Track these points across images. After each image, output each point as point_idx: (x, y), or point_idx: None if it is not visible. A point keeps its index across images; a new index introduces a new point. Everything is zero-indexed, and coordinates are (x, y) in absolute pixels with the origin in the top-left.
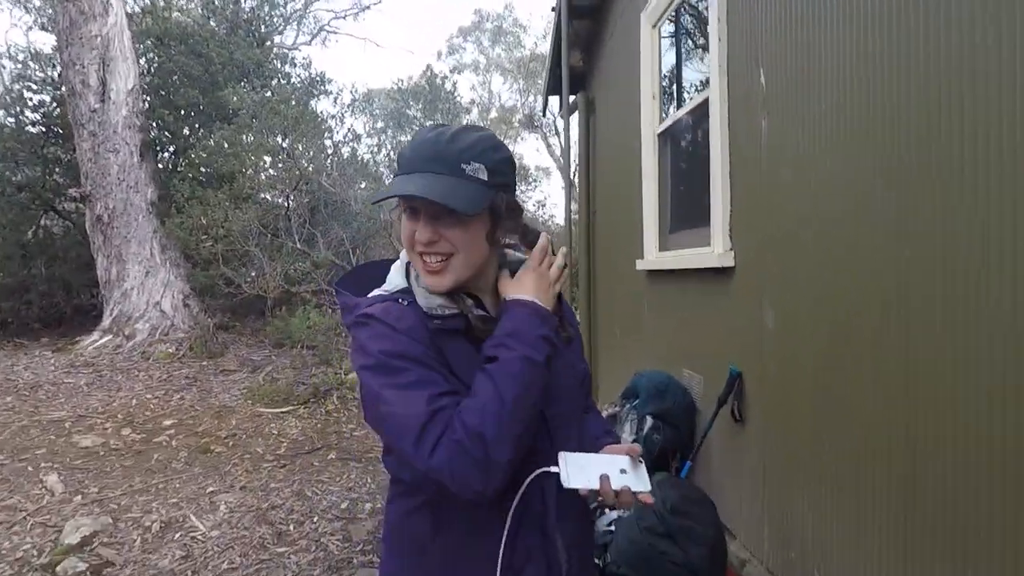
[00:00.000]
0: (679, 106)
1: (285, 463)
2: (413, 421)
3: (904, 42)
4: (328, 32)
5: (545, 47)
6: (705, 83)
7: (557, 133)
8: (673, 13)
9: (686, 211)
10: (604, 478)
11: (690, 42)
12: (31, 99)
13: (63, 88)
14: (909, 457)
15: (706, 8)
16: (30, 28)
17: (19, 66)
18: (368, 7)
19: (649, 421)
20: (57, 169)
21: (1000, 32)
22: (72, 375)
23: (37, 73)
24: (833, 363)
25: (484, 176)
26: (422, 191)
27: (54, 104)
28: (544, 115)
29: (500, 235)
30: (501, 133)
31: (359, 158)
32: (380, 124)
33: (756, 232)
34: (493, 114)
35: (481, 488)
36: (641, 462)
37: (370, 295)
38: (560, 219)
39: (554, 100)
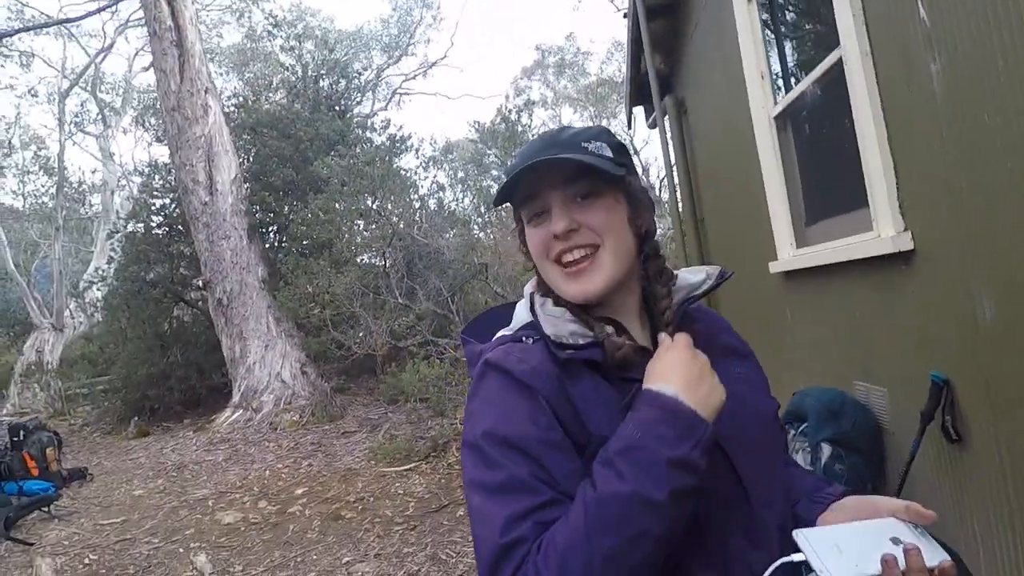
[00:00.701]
0: (793, 81)
1: (415, 524)
2: (486, 549)
3: None
4: (401, 94)
5: (610, 69)
6: (829, 44)
7: (636, 152)
8: None
9: (828, 196)
10: (888, 560)
11: (800, 5)
12: (154, 204)
13: (179, 190)
14: None
15: None
16: (150, 144)
17: (144, 177)
18: (434, 63)
19: (826, 449)
20: (182, 263)
21: None
22: (212, 452)
23: (157, 181)
24: None
25: (609, 153)
26: (548, 155)
27: (173, 205)
28: (629, 127)
29: (642, 224)
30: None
31: (445, 207)
32: (460, 173)
33: (942, 203)
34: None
35: None
36: (918, 525)
37: (494, 338)
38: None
39: (637, 111)
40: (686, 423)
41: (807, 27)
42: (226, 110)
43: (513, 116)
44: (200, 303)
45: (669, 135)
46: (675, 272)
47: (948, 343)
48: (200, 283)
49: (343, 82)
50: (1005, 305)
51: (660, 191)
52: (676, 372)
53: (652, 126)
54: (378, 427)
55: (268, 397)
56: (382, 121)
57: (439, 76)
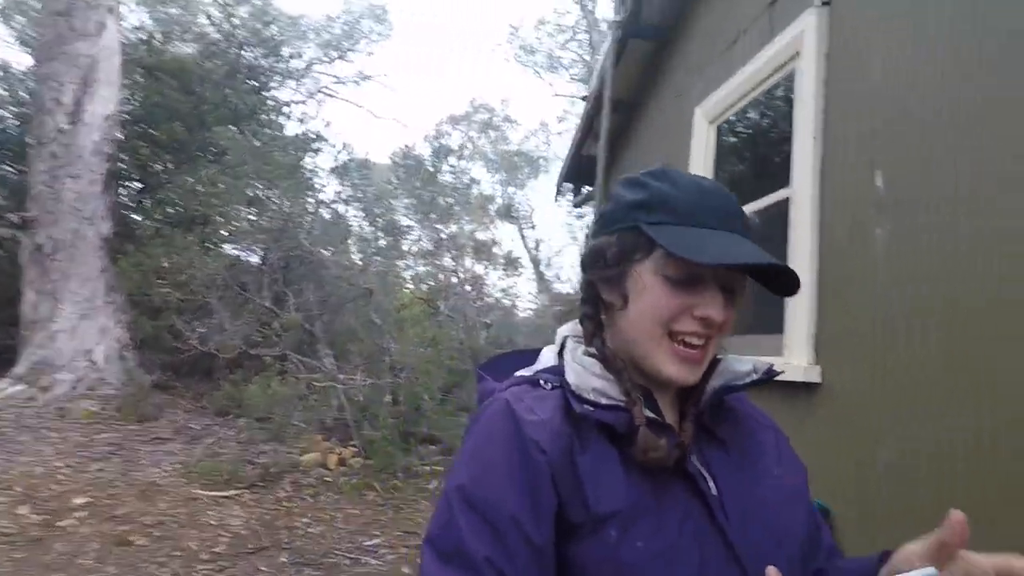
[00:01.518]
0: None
1: (225, 565)
2: None
3: None
4: (327, 95)
5: (530, 144)
6: (781, 180)
7: (532, 226)
8: (743, 108)
9: (748, 315)
10: None
11: (763, 138)
12: None
13: (31, 106)
14: None
15: (790, 105)
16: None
17: None
18: (369, 78)
19: None
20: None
21: None
22: None
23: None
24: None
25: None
26: (773, 261)
27: (17, 122)
28: (556, 200)
29: None
30: (476, 219)
31: (343, 222)
32: (360, 193)
33: (859, 353)
34: (469, 200)
35: None
36: None
37: (510, 379)
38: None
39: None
40: None
41: (761, 160)
42: (124, 40)
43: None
44: (8, 242)
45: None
46: (719, 357)
47: (840, 475)
48: (18, 218)
49: (270, 60)
50: (897, 455)
51: (546, 266)
52: None
53: (577, 205)
54: (199, 439)
55: (65, 376)
56: (302, 114)
57: (369, 90)
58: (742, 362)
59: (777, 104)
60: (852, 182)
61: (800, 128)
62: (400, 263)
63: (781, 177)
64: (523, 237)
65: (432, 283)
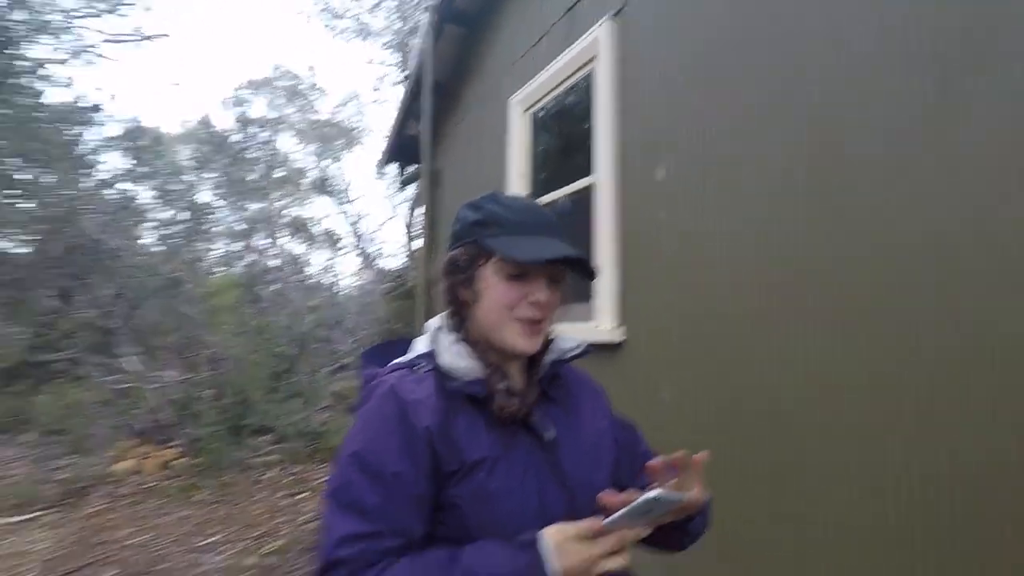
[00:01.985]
0: (548, 187)
1: None
2: (320, 556)
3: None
4: (96, 55)
5: (343, 114)
6: (587, 168)
7: (350, 200)
8: (552, 102)
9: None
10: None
11: (571, 129)
12: None
13: None
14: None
15: (590, 101)
16: None
17: None
18: (149, 37)
19: None
20: None
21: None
22: None
23: None
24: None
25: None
26: (569, 246)
27: None
28: (379, 178)
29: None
30: (288, 194)
31: (134, 202)
32: (151, 170)
33: (648, 311)
34: (279, 173)
35: None
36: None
37: (389, 364)
38: (343, 286)
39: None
40: None
41: (570, 149)
42: None
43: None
44: None
45: (425, 199)
46: (551, 338)
47: (639, 408)
48: None
49: (19, 13)
50: (677, 391)
51: (369, 242)
52: (568, 555)
53: (403, 184)
54: None
55: None
56: (68, 78)
57: (151, 53)
58: (567, 340)
59: (582, 98)
60: (641, 172)
61: (600, 123)
62: (206, 246)
63: (587, 165)
64: (342, 212)
65: (246, 266)
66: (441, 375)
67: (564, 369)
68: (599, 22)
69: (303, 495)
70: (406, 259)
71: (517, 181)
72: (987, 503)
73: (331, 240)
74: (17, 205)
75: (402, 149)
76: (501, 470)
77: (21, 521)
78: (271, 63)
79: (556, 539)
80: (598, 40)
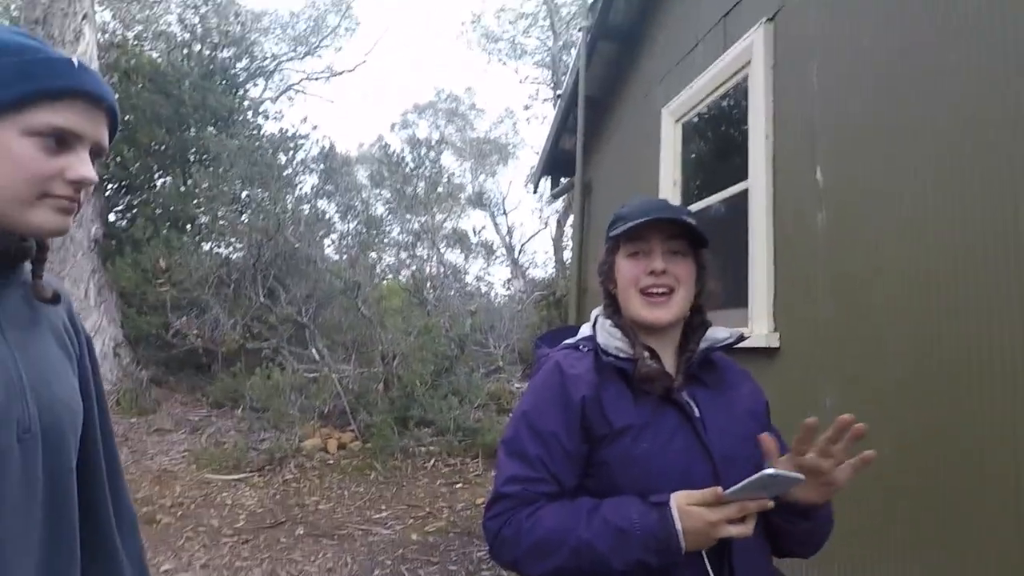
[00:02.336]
0: (701, 194)
1: (248, 538)
2: (494, 484)
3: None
4: (297, 91)
5: (497, 132)
6: (740, 173)
7: (504, 213)
8: (704, 110)
9: (720, 291)
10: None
11: (723, 136)
12: None
13: None
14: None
15: (745, 107)
16: None
17: None
18: (341, 73)
19: None
20: None
21: None
22: None
23: None
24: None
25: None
26: (678, 215)
27: None
28: (536, 191)
29: (703, 283)
30: (448, 207)
31: (324, 216)
32: (335, 187)
33: (806, 317)
34: (440, 188)
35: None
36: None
37: (561, 344)
38: (497, 294)
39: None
40: (669, 551)
41: (722, 155)
42: (100, 42)
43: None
44: None
45: (577, 209)
46: (708, 326)
47: (797, 416)
48: None
49: (245, 59)
50: (841, 397)
51: (519, 252)
52: (693, 519)
53: (555, 196)
54: (199, 430)
55: None
56: (278, 112)
57: (337, 84)
58: (721, 331)
59: (734, 105)
60: (798, 175)
61: (754, 128)
62: (378, 255)
63: (740, 171)
64: (495, 224)
65: (412, 273)
66: (598, 353)
67: (718, 357)
68: (755, 27)
69: (459, 485)
70: (555, 268)
71: (670, 189)
72: None
73: (486, 250)
74: (241, 218)
75: (555, 162)
76: (647, 437)
77: (235, 480)
78: (434, 87)
79: (681, 502)
80: (753, 45)
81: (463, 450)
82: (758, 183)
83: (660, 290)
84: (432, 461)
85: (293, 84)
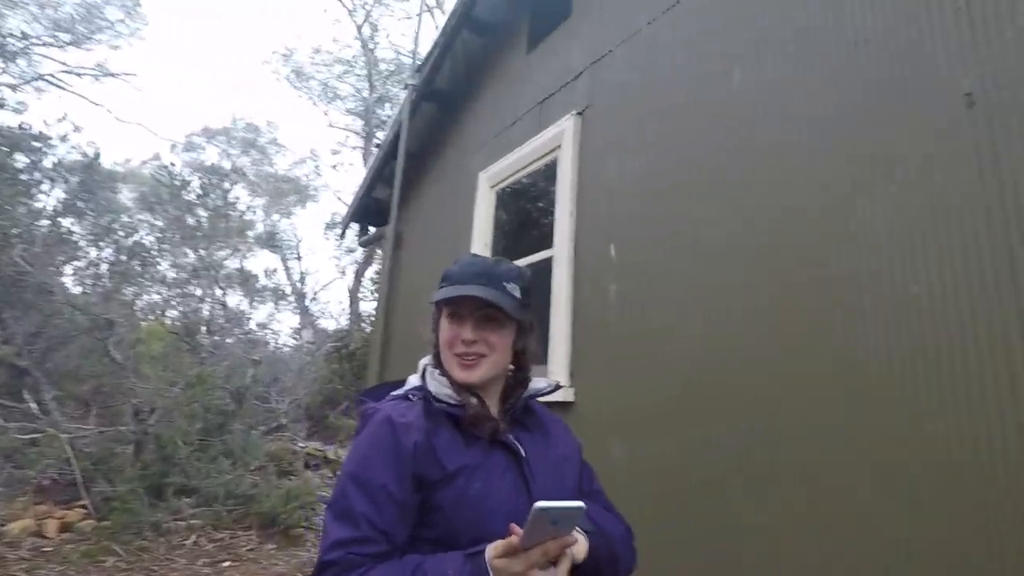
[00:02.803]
0: (510, 257)
1: None
2: (321, 550)
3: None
4: (53, 84)
5: (299, 171)
6: (546, 242)
7: (298, 257)
8: (518, 180)
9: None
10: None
11: (533, 206)
12: None
13: None
14: None
15: (554, 185)
16: None
17: None
18: (117, 75)
19: None
20: None
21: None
22: None
23: None
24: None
25: (518, 294)
26: (483, 293)
27: None
28: (342, 237)
29: (521, 346)
30: (234, 245)
31: (71, 237)
32: (92, 206)
33: (595, 376)
34: (225, 223)
35: None
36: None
37: (388, 396)
38: (282, 344)
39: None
40: None
41: (531, 223)
42: None
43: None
44: None
45: (388, 260)
46: (529, 379)
47: (595, 466)
48: None
49: None
50: (627, 448)
51: (312, 300)
52: (504, 567)
53: (364, 244)
54: None
55: None
56: (18, 103)
57: (110, 88)
58: (540, 382)
59: (544, 181)
60: (595, 249)
61: (560, 204)
62: (140, 290)
63: (547, 239)
64: (287, 268)
65: (185, 315)
66: (428, 401)
67: (536, 405)
68: (566, 116)
69: (227, 563)
70: (348, 320)
71: (481, 249)
72: None
73: (275, 295)
74: None
75: (366, 211)
76: (479, 476)
77: None
78: (230, 113)
79: (491, 554)
80: (564, 132)
81: (233, 521)
82: (562, 252)
83: (470, 358)
84: (193, 537)
85: (45, 74)
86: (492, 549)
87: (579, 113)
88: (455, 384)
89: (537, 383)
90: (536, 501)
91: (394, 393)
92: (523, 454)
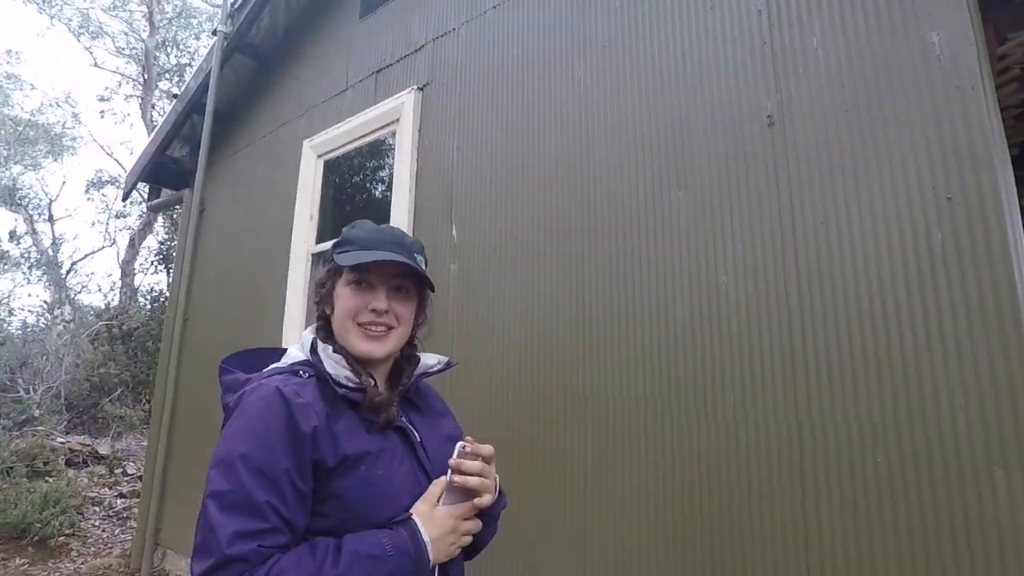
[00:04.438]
0: (340, 231)
1: None
2: (209, 556)
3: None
4: None
5: (51, 118)
6: (383, 218)
7: (51, 219)
8: (351, 151)
9: None
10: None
11: (368, 179)
12: None
13: None
14: None
15: (391, 158)
16: None
17: None
18: None
19: None
20: None
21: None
22: None
23: None
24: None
25: (424, 268)
26: (410, 257)
27: None
28: (125, 199)
29: (419, 322)
30: None
31: None
32: None
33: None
34: None
35: None
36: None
37: (267, 369)
38: (28, 322)
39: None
40: (423, 564)
41: (366, 197)
42: None
43: None
44: None
45: (191, 229)
46: (419, 355)
47: None
48: None
49: None
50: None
51: (70, 272)
52: (435, 525)
53: (154, 209)
54: None
55: None
56: None
57: None
58: (431, 358)
59: (383, 155)
60: (436, 229)
61: (399, 180)
62: None
63: (383, 215)
64: (33, 231)
65: None
66: (325, 383)
67: (423, 384)
68: (406, 90)
69: None
70: (121, 295)
71: (306, 223)
72: None
73: (27, 264)
74: None
75: (158, 171)
76: (382, 464)
77: None
78: None
79: (422, 508)
80: (404, 106)
81: None
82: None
83: (379, 328)
84: None
85: None
86: (422, 501)
87: (420, 88)
88: (352, 362)
89: (427, 359)
90: (430, 478)
91: (277, 366)
92: (418, 439)
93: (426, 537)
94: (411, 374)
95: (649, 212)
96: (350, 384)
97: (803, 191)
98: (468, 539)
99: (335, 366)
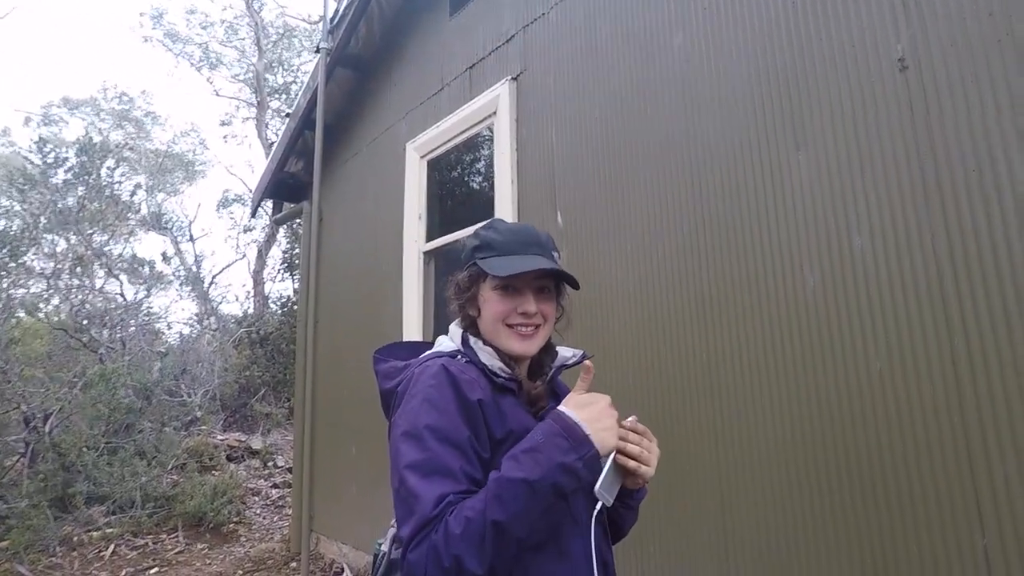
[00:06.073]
0: (446, 230)
1: None
2: (415, 518)
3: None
4: None
5: (181, 146)
6: (488, 212)
7: (191, 239)
8: (451, 149)
9: None
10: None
11: (470, 175)
12: None
13: None
14: None
15: (491, 151)
16: None
17: None
18: None
19: None
20: None
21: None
22: None
23: None
24: None
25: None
26: (551, 266)
27: None
28: (253, 216)
29: (558, 316)
30: (111, 226)
31: None
32: None
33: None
34: (96, 205)
35: None
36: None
37: (424, 355)
38: (182, 332)
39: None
40: (579, 440)
41: (469, 193)
42: None
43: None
44: None
45: (313, 238)
46: (556, 348)
47: None
48: None
49: None
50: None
51: (211, 285)
52: (586, 408)
53: (279, 222)
54: None
55: None
56: None
57: None
58: (567, 351)
59: (481, 148)
60: (541, 217)
61: (500, 173)
62: (11, 284)
63: (487, 209)
64: (178, 252)
65: (73, 309)
66: (486, 370)
67: (559, 378)
68: (500, 82)
69: (154, 571)
70: (254, 303)
71: (415, 222)
72: None
73: (183, 281)
74: None
75: (278, 187)
76: None
77: None
78: (98, 82)
79: (571, 401)
80: (499, 98)
81: (155, 525)
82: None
83: (529, 328)
84: (112, 546)
85: None
86: (571, 397)
87: (514, 78)
88: (504, 357)
89: (563, 352)
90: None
91: (433, 351)
92: None
93: (574, 416)
94: (551, 365)
95: (766, 177)
96: (504, 375)
97: (948, 139)
98: (630, 456)
99: (489, 358)
